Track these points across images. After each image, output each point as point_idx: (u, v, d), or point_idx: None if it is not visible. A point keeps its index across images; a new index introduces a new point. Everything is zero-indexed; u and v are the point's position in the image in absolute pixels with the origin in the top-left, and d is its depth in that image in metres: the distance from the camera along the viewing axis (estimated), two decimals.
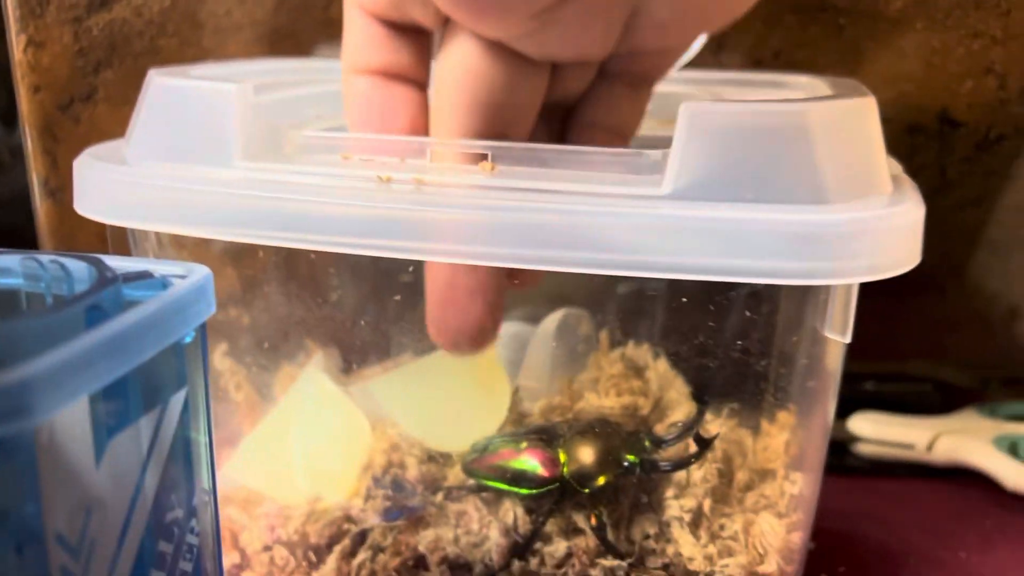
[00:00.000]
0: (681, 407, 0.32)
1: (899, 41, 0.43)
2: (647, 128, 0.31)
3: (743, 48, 0.43)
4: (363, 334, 0.32)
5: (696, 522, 0.29)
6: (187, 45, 0.42)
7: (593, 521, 0.29)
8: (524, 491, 0.30)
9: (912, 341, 0.50)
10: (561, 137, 0.30)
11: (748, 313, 0.28)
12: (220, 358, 0.33)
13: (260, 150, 0.27)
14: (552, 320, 0.35)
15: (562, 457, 0.29)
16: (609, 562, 0.29)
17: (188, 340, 0.21)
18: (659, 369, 0.34)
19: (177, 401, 0.21)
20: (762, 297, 0.28)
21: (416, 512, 0.30)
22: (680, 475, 0.30)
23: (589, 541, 0.29)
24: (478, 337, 0.27)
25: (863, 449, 0.43)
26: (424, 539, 0.30)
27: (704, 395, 0.30)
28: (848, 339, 0.26)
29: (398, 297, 0.31)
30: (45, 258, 0.22)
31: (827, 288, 0.26)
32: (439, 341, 0.27)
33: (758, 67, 0.43)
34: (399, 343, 0.32)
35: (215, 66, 0.34)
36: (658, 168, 0.24)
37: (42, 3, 0.41)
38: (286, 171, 0.26)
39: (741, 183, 0.23)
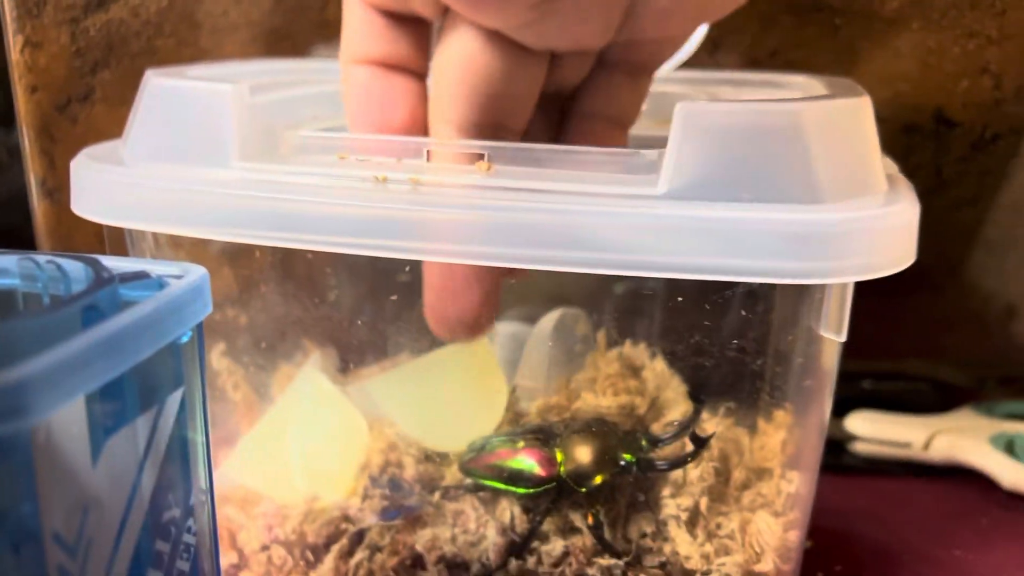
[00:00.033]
0: (678, 406, 0.32)
1: (895, 41, 0.43)
2: (644, 128, 0.31)
3: (739, 48, 0.43)
4: (360, 334, 0.32)
5: (693, 521, 0.29)
6: (184, 45, 0.42)
7: (590, 520, 0.29)
8: (521, 490, 0.30)
9: (909, 340, 0.50)
10: (559, 126, 0.30)
11: (744, 312, 0.29)
12: (218, 358, 0.33)
13: (257, 150, 0.27)
14: (549, 320, 0.35)
15: (559, 456, 0.29)
16: (606, 561, 0.29)
17: (185, 340, 0.21)
18: (656, 368, 0.34)
19: (174, 401, 0.21)
20: (758, 296, 0.28)
21: (413, 511, 0.31)
22: (677, 474, 0.30)
23: (586, 540, 0.29)
24: (474, 326, 0.27)
25: (860, 448, 0.43)
26: (421, 538, 0.30)
27: (700, 394, 0.30)
28: (843, 338, 0.27)
29: (395, 297, 0.31)
30: (42, 258, 0.22)
31: (822, 287, 0.26)
32: (435, 329, 0.27)
33: (754, 67, 0.43)
34: (396, 343, 0.32)
35: (212, 66, 0.34)
36: (654, 168, 0.24)
37: (39, 4, 0.41)
38: (283, 171, 0.26)
39: (736, 183, 0.23)
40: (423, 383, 0.32)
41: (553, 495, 0.30)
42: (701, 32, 0.37)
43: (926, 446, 0.42)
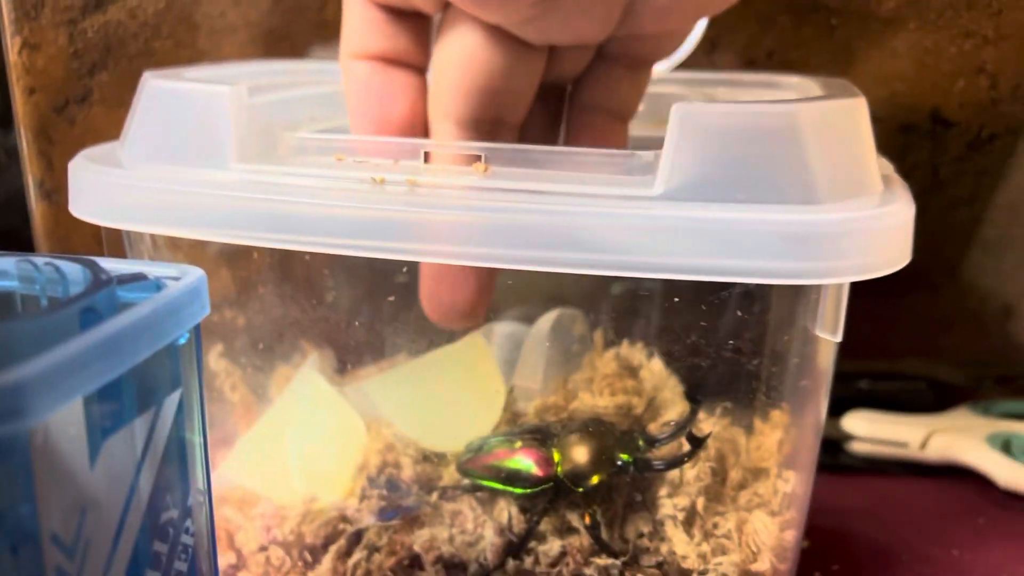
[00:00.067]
0: (675, 406, 0.32)
1: (891, 41, 0.43)
2: (640, 128, 0.31)
3: (736, 48, 0.44)
4: (358, 335, 0.32)
5: (690, 520, 0.30)
6: (182, 47, 0.42)
7: (587, 520, 0.29)
8: (518, 490, 0.30)
9: (906, 340, 0.50)
10: (557, 118, 0.30)
11: (740, 313, 0.29)
12: (216, 359, 0.34)
13: (255, 152, 0.27)
14: (546, 320, 0.35)
15: (556, 456, 0.29)
16: (603, 561, 0.29)
17: (182, 341, 0.21)
18: (653, 369, 0.34)
19: (171, 402, 0.21)
20: (754, 297, 0.28)
21: (411, 512, 0.31)
22: (674, 474, 0.30)
23: (583, 540, 0.29)
24: (469, 314, 0.27)
25: (857, 447, 0.43)
26: (419, 539, 0.30)
27: (697, 394, 0.30)
28: (839, 338, 0.27)
29: (392, 298, 0.31)
30: (40, 260, 0.22)
31: (818, 288, 0.26)
32: (431, 316, 0.28)
33: (751, 67, 0.43)
34: (394, 344, 0.32)
35: (210, 68, 0.34)
36: (650, 169, 0.24)
37: (37, 6, 0.41)
38: (280, 173, 0.26)
39: (732, 184, 0.23)
40: (420, 384, 0.32)
41: (550, 495, 0.30)
42: (698, 32, 0.37)
43: (923, 445, 0.42)
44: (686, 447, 0.29)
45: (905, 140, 0.45)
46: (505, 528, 0.30)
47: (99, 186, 0.27)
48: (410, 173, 0.25)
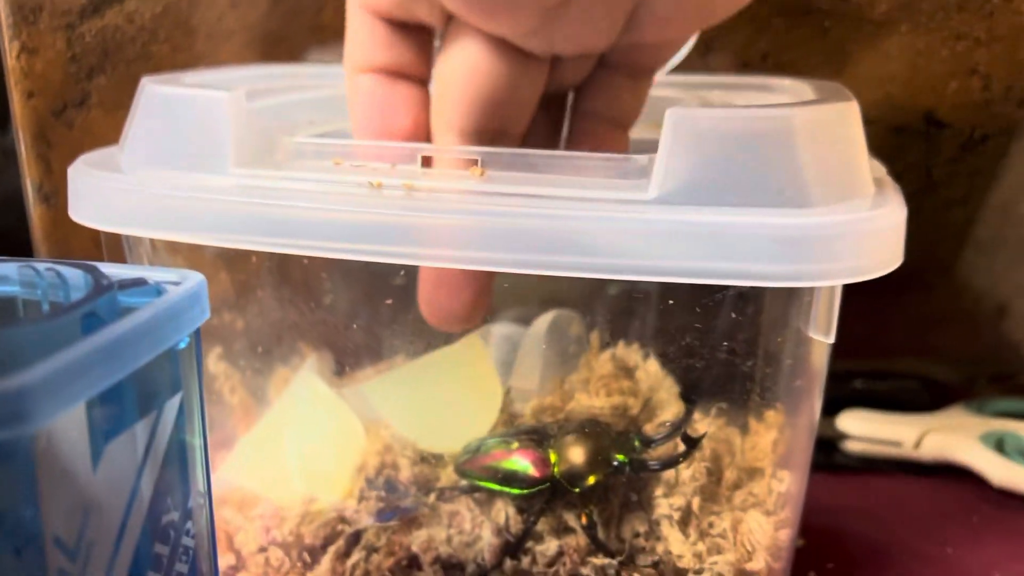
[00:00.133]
0: (671, 407, 0.33)
1: (884, 43, 0.43)
2: (635, 131, 0.31)
3: (731, 50, 0.44)
4: (356, 337, 0.33)
5: (685, 520, 0.30)
6: (179, 51, 0.42)
7: (584, 520, 0.29)
8: (516, 491, 0.30)
9: (900, 339, 0.50)
10: (559, 125, 0.30)
11: (734, 314, 0.29)
12: (215, 362, 0.34)
13: (253, 157, 0.27)
14: (543, 321, 0.35)
15: (553, 457, 0.30)
16: (600, 560, 0.29)
17: (183, 346, 0.22)
18: (649, 370, 0.34)
19: (172, 406, 0.21)
20: (748, 299, 0.29)
21: (409, 513, 0.31)
22: (669, 474, 0.30)
23: (580, 540, 0.29)
24: (467, 318, 0.28)
25: (852, 447, 0.43)
26: (417, 539, 0.30)
27: (692, 395, 0.30)
28: (832, 339, 0.27)
29: (390, 301, 0.31)
30: (41, 266, 0.22)
31: (811, 290, 0.27)
32: (430, 319, 0.28)
33: (745, 69, 0.44)
34: (391, 346, 0.32)
35: (208, 73, 0.35)
36: (645, 173, 0.24)
37: (35, 10, 0.41)
38: (279, 177, 0.26)
39: (726, 187, 0.23)
40: (418, 385, 0.32)
41: (547, 495, 0.30)
42: (692, 37, 0.38)
43: (917, 444, 0.42)
44: (681, 447, 0.29)
45: (898, 141, 0.45)
46: (502, 528, 0.30)
47: (99, 191, 0.28)
48: (407, 177, 0.26)
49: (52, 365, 0.17)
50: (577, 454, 0.29)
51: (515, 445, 0.30)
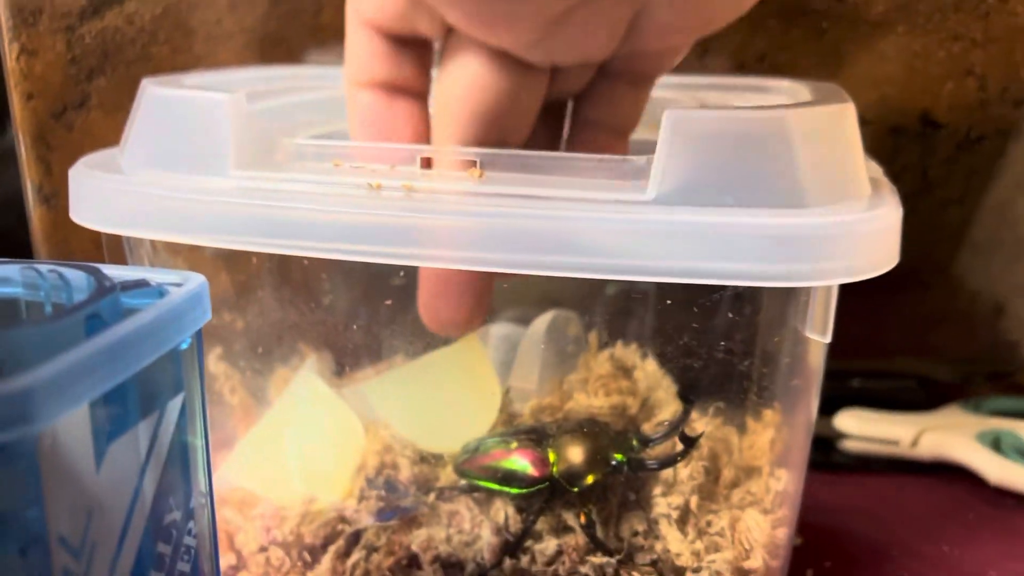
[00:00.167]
0: (669, 406, 0.33)
1: (880, 44, 0.44)
2: (633, 133, 0.32)
3: (728, 51, 0.44)
4: (356, 337, 0.33)
5: (683, 519, 0.30)
6: (179, 52, 0.42)
7: (582, 519, 0.29)
8: (515, 490, 0.30)
9: (897, 338, 0.50)
10: (558, 134, 0.30)
11: (732, 314, 0.29)
12: (215, 362, 0.34)
13: (253, 158, 0.27)
14: (541, 322, 0.35)
15: (552, 457, 0.30)
16: (598, 559, 0.29)
17: (184, 346, 0.22)
18: (647, 369, 0.34)
19: (174, 406, 0.22)
20: (745, 299, 0.29)
21: (409, 512, 0.31)
22: (667, 473, 0.30)
23: (579, 539, 0.30)
24: (466, 324, 0.28)
25: (849, 445, 0.43)
26: (417, 539, 0.30)
27: (690, 394, 0.31)
28: (828, 339, 0.27)
29: (389, 301, 0.31)
30: (44, 267, 0.22)
31: (807, 290, 0.27)
32: (429, 325, 0.28)
33: (742, 70, 0.44)
34: (391, 346, 0.32)
35: (208, 75, 0.35)
36: (643, 174, 0.25)
37: (35, 12, 0.41)
38: (279, 179, 0.26)
39: (723, 188, 0.23)
40: (418, 385, 0.32)
41: (546, 495, 0.30)
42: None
43: (914, 443, 0.42)
44: (679, 446, 0.30)
45: (895, 142, 0.45)
46: (502, 528, 0.30)
47: (99, 192, 0.28)
48: (406, 179, 0.26)
49: (56, 366, 0.17)
50: (576, 453, 0.30)
51: (514, 445, 0.31)
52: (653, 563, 0.29)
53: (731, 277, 0.23)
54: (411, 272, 0.29)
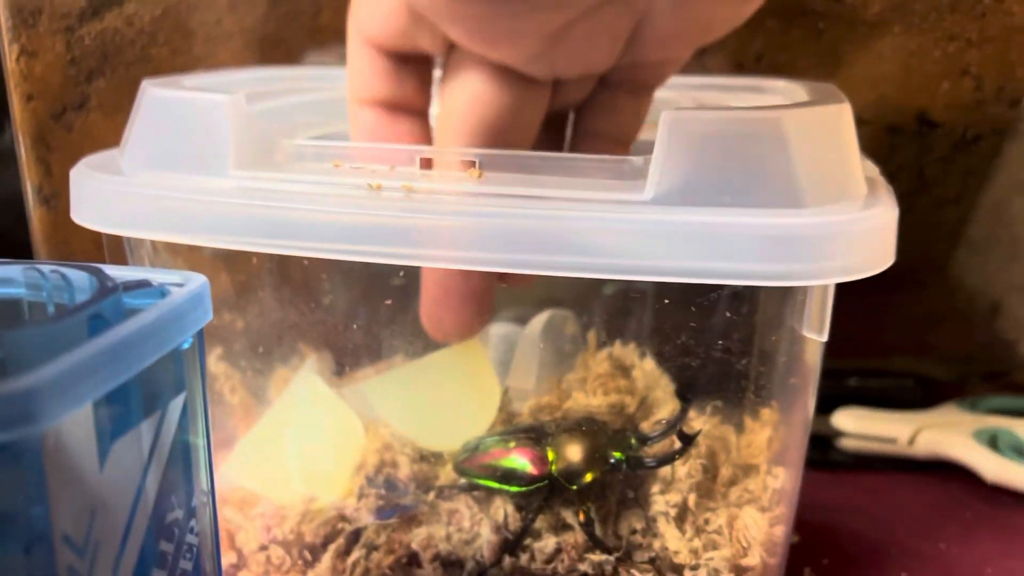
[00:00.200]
0: (667, 405, 0.33)
1: (877, 44, 0.44)
2: None
3: (726, 51, 0.44)
4: (355, 337, 0.33)
5: (681, 517, 0.30)
6: (178, 54, 0.43)
7: (581, 517, 0.30)
8: (514, 489, 0.30)
9: (894, 337, 0.50)
10: (559, 145, 0.30)
11: (729, 314, 0.29)
12: (215, 362, 0.34)
13: (253, 159, 0.27)
14: (538, 321, 0.35)
15: (550, 455, 0.30)
16: (597, 557, 0.29)
17: (186, 346, 0.22)
18: (645, 368, 0.35)
19: (176, 405, 0.22)
20: (742, 298, 0.29)
21: (409, 511, 0.31)
22: (666, 471, 0.30)
23: (577, 537, 0.30)
24: (468, 332, 0.28)
25: (847, 444, 0.43)
26: (417, 537, 0.30)
27: (688, 393, 0.31)
28: (825, 338, 0.27)
29: (389, 301, 0.31)
30: (46, 268, 0.22)
31: (804, 289, 0.27)
32: (431, 332, 0.29)
33: (740, 70, 0.44)
34: (391, 345, 0.33)
35: (207, 76, 0.35)
36: (641, 174, 0.25)
37: (34, 13, 0.41)
38: (279, 179, 0.27)
39: (720, 188, 0.24)
40: (418, 385, 0.32)
41: (545, 493, 0.30)
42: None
43: (911, 441, 0.42)
44: (677, 445, 0.30)
45: (892, 141, 0.46)
46: (501, 526, 0.30)
47: (100, 193, 0.28)
48: (406, 179, 0.26)
49: (60, 366, 0.17)
50: (574, 452, 0.30)
51: (513, 443, 0.31)
52: (651, 561, 0.30)
53: (728, 276, 0.23)
54: (410, 272, 0.29)
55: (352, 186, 0.26)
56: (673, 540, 0.29)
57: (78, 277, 0.22)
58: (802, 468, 0.31)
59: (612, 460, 0.30)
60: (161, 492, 0.21)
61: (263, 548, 0.31)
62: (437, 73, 0.28)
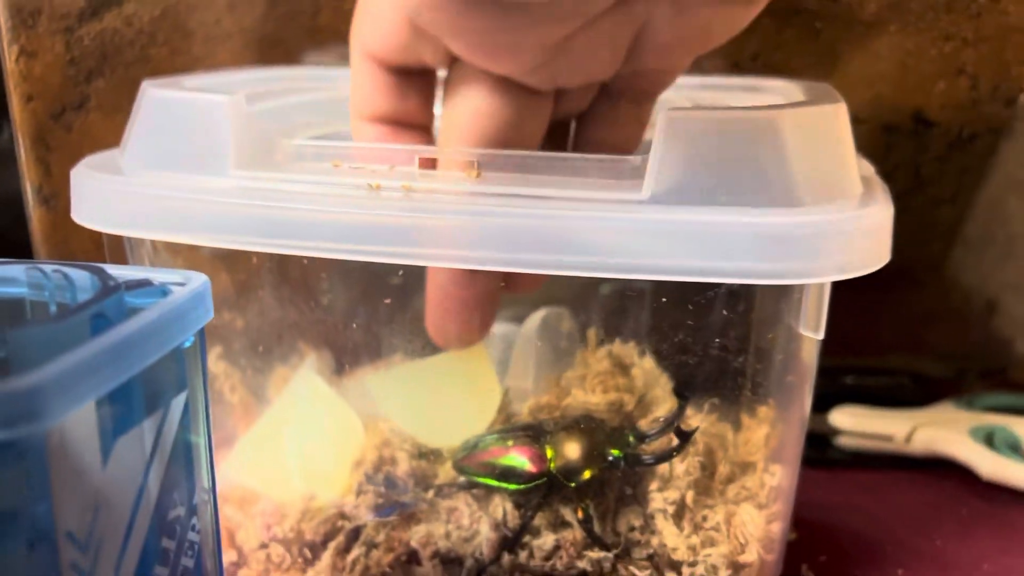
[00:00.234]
0: (665, 403, 0.33)
1: (873, 43, 0.44)
2: None
3: (722, 51, 0.44)
4: (355, 336, 0.33)
5: (679, 514, 0.30)
6: (177, 54, 0.43)
7: (580, 514, 0.30)
8: (513, 486, 0.30)
9: (891, 336, 0.50)
10: (562, 151, 0.30)
11: (726, 312, 0.29)
12: (215, 361, 0.34)
13: (253, 159, 0.28)
14: (534, 319, 0.35)
15: (549, 453, 0.30)
16: (596, 554, 0.29)
17: (187, 345, 0.22)
18: (645, 367, 0.35)
19: (178, 404, 0.22)
20: (739, 296, 0.29)
21: (408, 508, 0.31)
22: (663, 468, 0.31)
23: (576, 534, 0.30)
24: (472, 340, 0.29)
25: (844, 442, 0.43)
26: (416, 534, 0.31)
27: (685, 391, 0.31)
28: (821, 335, 0.27)
29: (388, 300, 0.32)
30: (48, 267, 0.22)
31: (800, 287, 0.27)
32: (436, 340, 0.29)
33: (736, 69, 0.44)
34: (390, 344, 0.33)
35: (207, 76, 0.35)
36: (638, 173, 0.25)
37: (34, 14, 0.41)
38: (278, 179, 0.27)
39: (717, 187, 0.24)
40: (420, 383, 0.33)
41: (544, 490, 0.30)
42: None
43: (908, 439, 0.43)
44: (675, 442, 0.30)
45: (888, 140, 0.46)
46: (500, 523, 0.30)
47: (101, 193, 0.28)
48: (405, 179, 0.26)
49: (63, 364, 0.17)
50: (573, 449, 0.30)
51: (511, 441, 0.31)
52: (649, 557, 0.30)
53: (725, 275, 0.23)
54: (409, 271, 0.29)
55: (351, 186, 0.26)
56: (671, 537, 0.30)
57: (80, 276, 0.22)
58: (799, 465, 0.31)
59: (610, 457, 0.30)
60: (163, 489, 0.21)
61: (263, 546, 0.32)
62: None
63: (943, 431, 0.42)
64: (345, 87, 0.29)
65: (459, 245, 0.24)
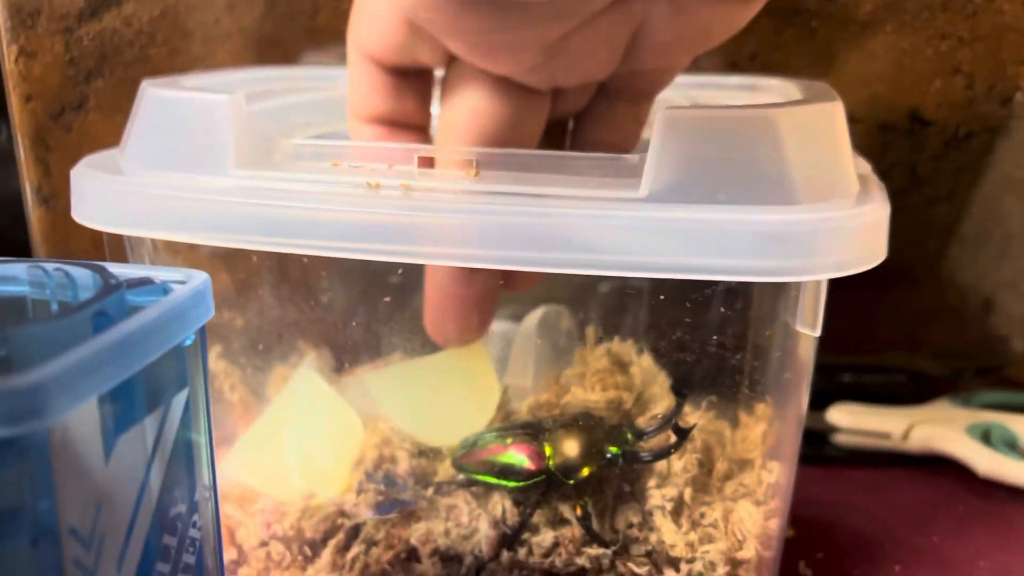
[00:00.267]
0: (663, 401, 0.33)
1: (870, 43, 0.44)
2: None
3: (720, 50, 0.44)
4: (354, 335, 0.33)
5: (677, 510, 0.30)
6: (177, 54, 0.43)
7: (578, 511, 0.30)
8: (512, 484, 0.30)
9: (888, 334, 0.51)
10: (560, 150, 0.31)
11: (723, 309, 0.29)
12: (215, 360, 0.34)
13: (252, 158, 0.28)
14: (533, 317, 0.35)
15: (547, 450, 0.30)
16: (594, 551, 0.30)
17: (188, 343, 0.22)
18: (643, 364, 0.35)
19: (179, 401, 0.22)
20: (736, 294, 0.29)
21: (408, 506, 0.31)
22: (662, 465, 0.31)
23: (575, 531, 0.30)
24: (470, 338, 0.29)
25: (841, 439, 0.44)
26: (416, 532, 0.31)
27: (683, 388, 0.31)
28: (818, 333, 0.28)
29: (388, 298, 0.32)
30: (50, 266, 0.22)
31: (797, 285, 0.27)
32: (435, 339, 0.29)
33: (734, 69, 0.44)
34: (389, 343, 0.33)
35: (206, 76, 0.35)
36: (636, 172, 0.25)
37: (33, 14, 0.42)
38: (278, 178, 0.27)
39: (715, 185, 0.24)
40: (419, 382, 0.33)
41: (543, 488, 0.30)
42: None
43: (905, 436, 0.43)
44: (673, 439, 0.30)
45: (884, 139, 0.46)
46: (499, 521, 0.30)
47: (101, 192, 0.28)
48: (404, 178, 0.26)
49: (65, 362, 0.17)
50: (571, 447, 0.30)
51: (510, 439, 0.31)
52: (648, 554, 0.30)
53: (723, 272, 0.24)
54: (409, 269, 0.29)
55: (351, 185, 0.26)
56: (669, 534, 0.30)
57: (82, 275, 0.22)
58: (796, 462, 0.31)
59: (608, 455, 0.30)
60: (164, 487, 0.21)
61: (263, 544, 0.32)
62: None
63: (940, 429, 0.43)
64: (344, 87, 0.29)
65: (458, 243, 0.24)
